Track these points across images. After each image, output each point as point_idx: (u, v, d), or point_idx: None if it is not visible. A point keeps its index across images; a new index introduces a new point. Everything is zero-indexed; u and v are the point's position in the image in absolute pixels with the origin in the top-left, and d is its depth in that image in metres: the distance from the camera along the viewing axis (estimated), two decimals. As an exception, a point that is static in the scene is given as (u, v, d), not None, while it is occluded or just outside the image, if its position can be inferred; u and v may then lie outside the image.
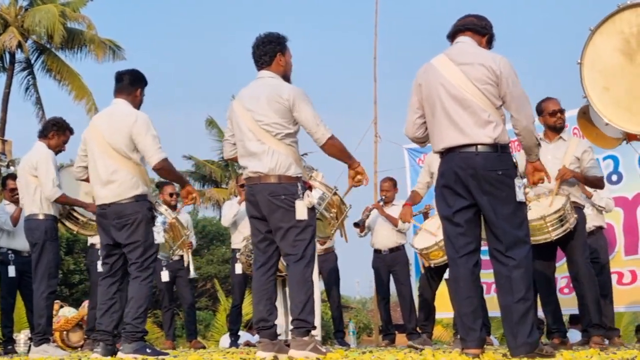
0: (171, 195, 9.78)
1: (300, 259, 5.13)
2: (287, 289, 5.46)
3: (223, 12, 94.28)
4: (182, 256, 9.59)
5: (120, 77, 6.03)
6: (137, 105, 5.99)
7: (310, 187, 5.39)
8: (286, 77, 5.39)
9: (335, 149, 5.26)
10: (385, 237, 9.62)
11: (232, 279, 9.87)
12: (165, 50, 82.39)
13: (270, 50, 5.33)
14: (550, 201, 6.43)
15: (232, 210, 9.68)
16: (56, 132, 7.19)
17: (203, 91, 79.58)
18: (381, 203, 9.59)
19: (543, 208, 6.31)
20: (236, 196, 10.54)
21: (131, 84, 6.00)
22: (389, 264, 9.60)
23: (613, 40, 4.24)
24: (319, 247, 9.44)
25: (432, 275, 7.44)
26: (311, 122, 5.15)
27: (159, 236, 5.83)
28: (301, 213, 5.10)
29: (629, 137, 5.00)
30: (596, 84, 4.36)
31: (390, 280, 9.78)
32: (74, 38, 25.88)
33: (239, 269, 9.00)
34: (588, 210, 7.91)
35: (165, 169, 5.78)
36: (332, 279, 10.01)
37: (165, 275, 9.50)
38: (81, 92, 25.78)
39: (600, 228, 8.09)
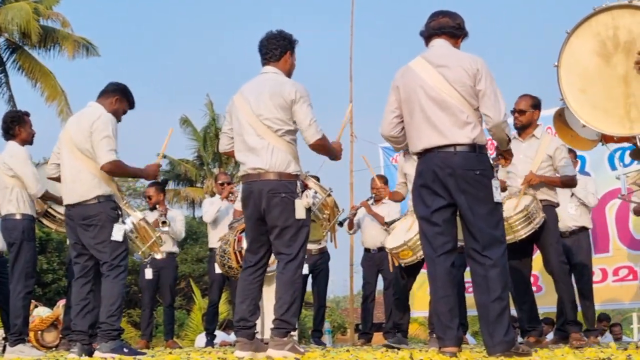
0: (150, 198, 9.78)
1: (292, 259, 5.15)
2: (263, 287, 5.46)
3: (198, 12, 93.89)
4: (168, 253, 9.60)
5: (108, 84, 6.10)
6: (111, 112, 5.95)
7: (307, 187, 5.43)
8: (288, 77, 5.41)
9: (320, 148, 5.32)
10: (373, 236, 9.66)
11: (210, 278, 9.85)
12: (139, 48, 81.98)
13: (281, 46, 5.36)
14: (516, 202, 6.50)
15: (214, 206, 9.67)
16: (18, 125, 7.13)
17: (177, 90, 79.18)
18: (371, 201, 9.59)
19: (507, 209, 6.35)
20: (213, 195, 10.52)
21: (111, 91, 6.04)
22: (377, 262, 9.65)
23: (590, 43, 4.29)
24: (315, 247, 9.48)
25: (404, 275, 7.46)
26: (306, 120, 5.18)
27: (119, 234, 5.81)
28: (300, 212, 5.13)
29: (606, 139, 5.06)
30: (573, 86, 4.41)
31: (378, 279, 9.84)
32: (47, 36, 25.63)
33: (217, 268, 9.01)
34: (572, 210, 7.99)
35: (112, 171, 5.80)
36: (323, 279, 10.01)
37: (149, 273, 9.50)
38: (54, 92, 25.50)
39: (583, 228, 8.09)
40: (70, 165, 5.85)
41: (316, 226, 6.29)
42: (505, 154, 5.07)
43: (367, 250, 9.86)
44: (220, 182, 9.97)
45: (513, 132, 6.62)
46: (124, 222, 5.96)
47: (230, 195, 9.63)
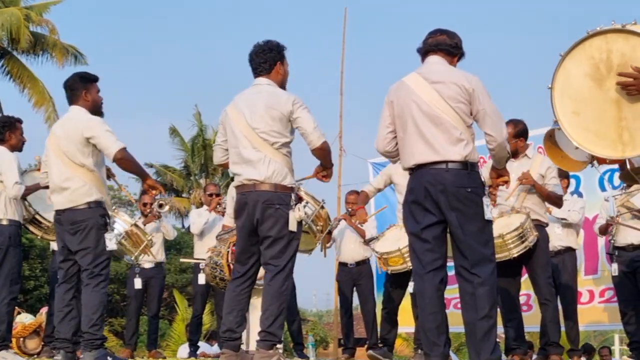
0: (145, 205, 9.75)
1: (281, 271, 5.15)
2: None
3: (186, 21, 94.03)
4: (157, 263, 9.58)
5: (65, 86, 6.06)
6: (92, 107, 5.96)
7: (301, 199, 5.43)
8: (282, 86, 5.43)
9: (323, 155, 5.36)
10: (351, 250, 9.65)
11: (194, 289, 9.83)
12: (127, 58, 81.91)
13: (270, 59, 5.35)
14: (507, 215, 6.50)
15: (202, 218, 9.64)
16: (9, 131, 7.10)
17: (165, 99, 79.16)
18: (345, 214, 9.61)
19: (502, 226, 6.37)
20: (200, 205, 10.48)
21: (77, 89, 5.99)
22: (354, 277, 9.63)
23: (583, 66, 4.31)
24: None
25: (395, 287, 7.43)
26: (310, 124, 5.19)
27: (111, 243, 5.80)
28: (292, 225, 5.13)
29: (599, 160, 5.09)
30: (566, 109, 4.43)
31: (354, 294, 9.81)
32: (36, 42, 25.56)
33: (201, 279, 8.97)
34: (558, 230, 8.01)
35: (125, 158, 5.75)
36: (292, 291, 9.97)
37: (138, 283, 9.47)
38: (41, 98, 25.40)
39: (569, 249, 8.12)
40: (59, 172, 5.82)
41: (309, 237, 6.29)
42: (501, 172, 5.08)
43: (343, 264, 9.82)
44: (208, 193, 9.95)
45: None
46: (113, 229, 5.94)
47: (218, 206, 9.62)
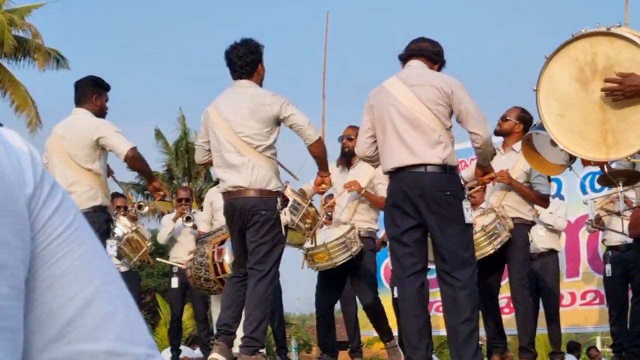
0: (118, 207, 9.64)
1: (265, 276, 5.13)
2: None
3: (169, 25, 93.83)
4: (131, 268, 9.50)
5: (77, 85, 5.99)
6: (99, 112, 5.91)
7: (286, 203, 5.40)
8: (261, 83, 5.40)
9: (321, 150, 5.34)
10: None
11: (169, 293, 9.78)
12: (110, 60, 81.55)
13: (252, 62, 5.28)
14: (481, 212, 6.45)
15: (167, 228, 9.41)
16: None
17: (148, 102, 78.87)
18: (324, 218, 9.52)
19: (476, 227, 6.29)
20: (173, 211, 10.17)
21: (88, 92, 5.95)
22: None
23: (568, 68, 4.33)
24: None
25: (328, 288, 7.04)
26: (304, 121, 5.17)
27: (112, 249, 5.79)
28: (283, 228, 5.17)
29: (584, 163, 5.12)
30: (552, 111, 4.45)
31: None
32: (18, 46, 25.42)
33: (175, 283, 8.94)
34: (541, 232, 7.97)
35: (136, 157, 5.76)
36: (276, 293, 9.92)
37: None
38: (23, 103, 25.23)
39: (552, 251, 8.02)
40: (63, 175, 5.68)
41: (298, 234, 6.25)
42: (486, 169, 5.09)
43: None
44: (178, 197, 9.63)
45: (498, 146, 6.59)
46: (114, 234, 5.93)
47: (183, 213, 9.32)
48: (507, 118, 6.63)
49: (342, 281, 6.95)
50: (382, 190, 6.59)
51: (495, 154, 4.94)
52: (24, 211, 0.76)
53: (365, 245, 6.67)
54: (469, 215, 4.64)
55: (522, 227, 6.49)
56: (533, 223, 6.74)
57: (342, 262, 6.50)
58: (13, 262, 0.74)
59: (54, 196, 0.81)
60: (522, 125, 6.66)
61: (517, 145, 6.62)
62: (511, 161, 6.58)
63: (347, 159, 6.88)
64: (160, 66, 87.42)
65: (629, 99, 4.18)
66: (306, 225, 6.09)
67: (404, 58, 4.92)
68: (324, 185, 5.62)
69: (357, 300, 9.96)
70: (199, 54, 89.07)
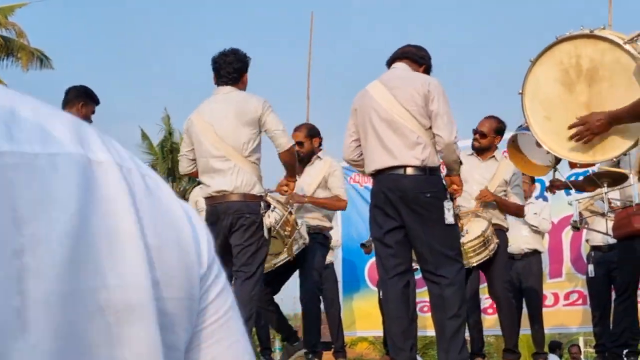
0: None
1: (250, 277, 5.16)
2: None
3: (153, 26, 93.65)
4: None
5: (67, 90, 6.08)
6: (82, 119, 5.88)
7: (269, 205, 5.43)
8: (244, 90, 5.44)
9: (292, 157, 5.40)
10: None
11: None
12: (95, 60, 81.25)
13: (238, 70, 5.37)
14: (467, 220, 6.44)
15: None
16: None
17: (133, 103, 78.74)
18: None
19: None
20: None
21: (76, 98, 6.01)
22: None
23: (553, 71, 4.34)
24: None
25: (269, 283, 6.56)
26: (279, 126, 5.23)
27: None
28: (265, 231, 5.20)
29: (570, 165, 5.14)
30: (537, 114, 4.46)
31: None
32: (1, 46, 25.27)
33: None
34: (525, 232, 7.99)
35: None
36: None
37: None
38: (6, 104, 25.17)
39: (536, 252, 8.04)
40: None
41: (278, 242, 6.22)
42: (454, 180, 5.02)
43: None
44: None
45: (470, 152, 6.61)
46: None
47: None
48: (485, 133, 6.62)
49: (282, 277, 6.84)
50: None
51: (461, 163, 4.92)
52: (197, 293, 0.74)
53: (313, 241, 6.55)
54: (451, 215, 4.65)
55: (502, 234, 6.59)
56: (507, 229, 6.79)
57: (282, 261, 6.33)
58: (181, 345, 0.72)
59: (219, 280, 0.78)
60: (500, 138, 6.71)
61: (498, 154, 6.67)
62: (491, 169, 6.59)
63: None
64: (145, 65, 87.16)
65: (602, 131, 4.20)
66: (285, 233, 6.09)
67: (389, 62, 4.95)
68: (285, 188, 5.67)
69: (340, 300, 10.03)
70: (183, 55, 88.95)
